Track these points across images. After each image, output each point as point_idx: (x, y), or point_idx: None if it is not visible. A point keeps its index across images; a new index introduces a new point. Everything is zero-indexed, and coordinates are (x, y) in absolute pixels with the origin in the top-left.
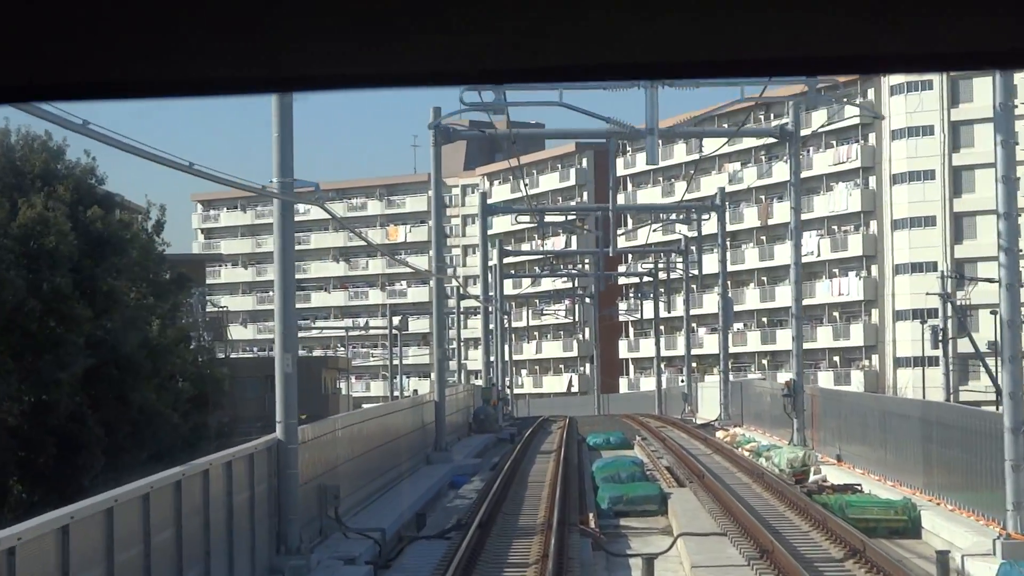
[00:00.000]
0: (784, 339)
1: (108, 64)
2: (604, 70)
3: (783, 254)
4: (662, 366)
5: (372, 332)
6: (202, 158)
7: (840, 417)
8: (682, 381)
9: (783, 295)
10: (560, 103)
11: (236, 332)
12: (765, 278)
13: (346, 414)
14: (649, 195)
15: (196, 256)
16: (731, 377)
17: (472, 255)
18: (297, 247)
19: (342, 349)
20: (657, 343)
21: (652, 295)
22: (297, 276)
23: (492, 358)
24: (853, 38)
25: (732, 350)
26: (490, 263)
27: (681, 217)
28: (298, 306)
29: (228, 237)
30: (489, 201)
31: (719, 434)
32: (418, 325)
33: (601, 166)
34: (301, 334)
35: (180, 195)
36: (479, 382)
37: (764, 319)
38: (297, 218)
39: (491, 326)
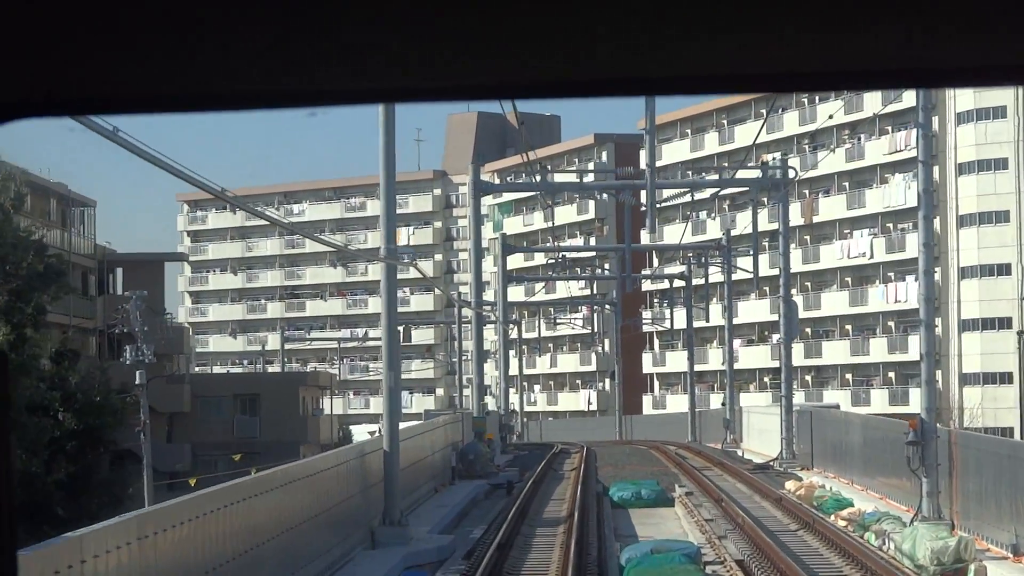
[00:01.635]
0: (831, 353)
1: (140, 77)
2: (612, 85)
3: (829, 256)
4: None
5: (371, 344)
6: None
7: (1000, 476)
8: (723, 403)
9: (830, 302)
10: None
11: (224, 344)
12: (809, 283)
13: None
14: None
15: (151, 255)
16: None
17: (484, 258)
18: (290, 251)
19: (338, 362)
20: (691, 356)
21: (684, 301)
22: (291, 283)
23: (476, 379)
24: (860, 52)
25: (773, 364)
26: (494, 269)
27: (726, 201)
28: (291, 315)
29: (217, 240)
30: (500, 200)
31: (789, 485)
32: (422, 336)
33: (623, 158)
34: (293, 346)
35: (167, 194)
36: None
37: (808, 329)
38: (292, 219)
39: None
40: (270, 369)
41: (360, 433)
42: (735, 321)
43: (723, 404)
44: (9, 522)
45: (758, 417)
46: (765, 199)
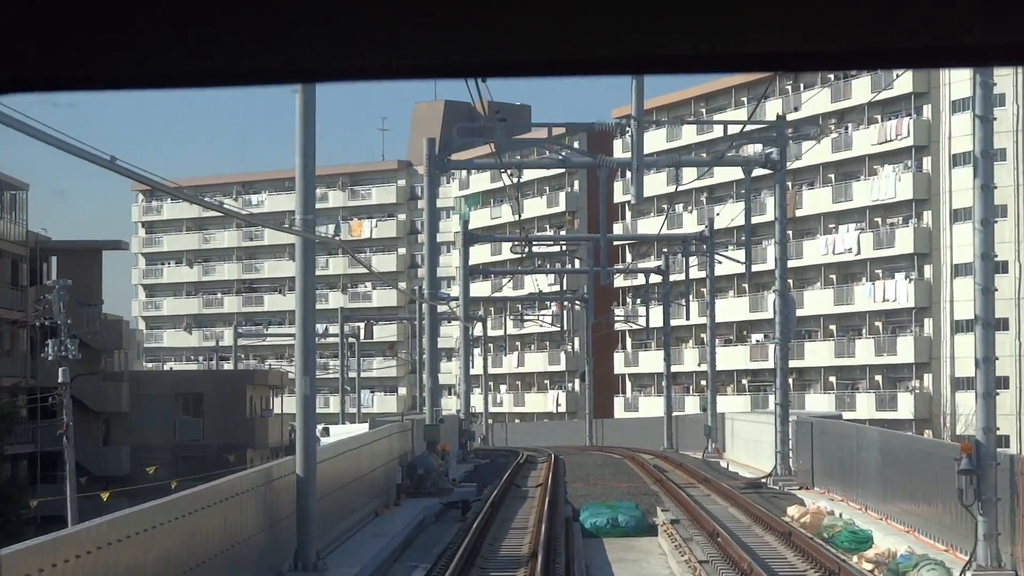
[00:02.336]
0: (814, 354)
1: (121, 54)
2: (594, 65)
3: (812, 252)
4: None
5: (331, 340)
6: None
7: None
8: (703, 408)
9: (813, 301)
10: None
11: (179, 339)
12: (791, 280)
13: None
14: (653, 183)
15: (88, 243)
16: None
17: (446, 253)
18: (248, 243)
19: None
20: (667, 357)
21: (661, 297)
22: (248, 276)
23: (429, 381)
24: (850, 31)
25: (752, 366)
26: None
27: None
28: (248, 310)
29: (172, 231)
30: (467, 192)
31: (792, 511)
32: (384, 332)
33: (596, 148)
34: (249, 342)
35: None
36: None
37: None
38: (250, 209)
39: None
40: (226, 366)
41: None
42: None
43: (703, 410)
44: None
45: (744, 425)
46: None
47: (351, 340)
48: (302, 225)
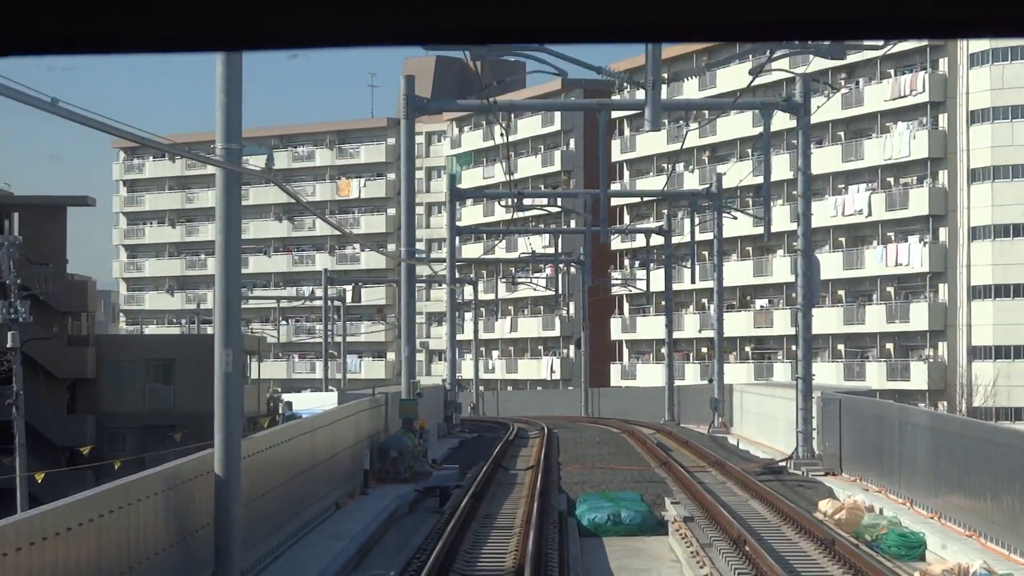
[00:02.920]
0: (821, 321)
1: (103, 16)
2: (600, 32)
3: (821, 213)
4: (664, 352)
5: (317, 303)
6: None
7: None
8: (709, 379)
9: (821, 264)
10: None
11: (161, 301)
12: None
13: None
14: (652, 141)
15: (52, 198)
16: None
17: (437, 215)
18: None
19: (284, 323)
20: (669, 322)
21: (664, 258)
22: None
23: (406, 350)
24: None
25: (756, 332)
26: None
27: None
28: None
29: (154, 190)
30: (459, 151)
31: (824, 505)
32: (373, 295)
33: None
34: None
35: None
36: (437, 380)
37: (794, 294)
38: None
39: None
40: (209, 330)
41: (301, 402)
42: (712, 285)
43: (710, 381)
44: None
45: (754, 399)
46: (750, 151)
47: (337, 304)
48: (224, 156)
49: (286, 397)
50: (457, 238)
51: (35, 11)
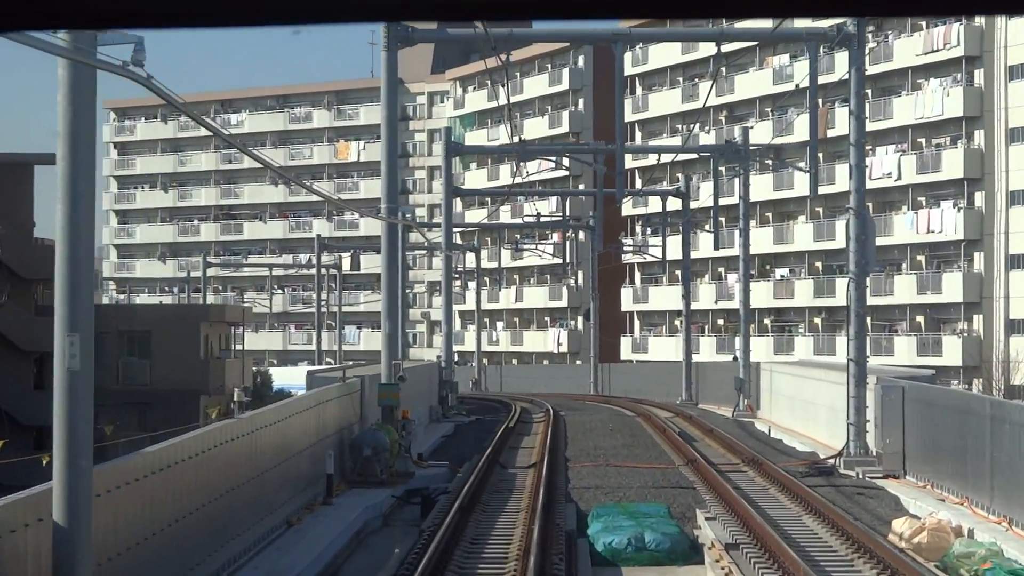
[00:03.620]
0: (845, 291)
1: None
2: (597, 7)
3: (846, 177)
4: (678, 324)
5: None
6: None
7: None
8: (734, 357)
9: (843, 231)
10: None
11: (152, 269)
12: (821, 209)
13: None
14: (666, 99)
15: (17, 156)
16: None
17: (439, 179)
18: (228, 166)
19: (280, 292)
20: (687, 293)
21: (676, 225)
22: (227, 202)
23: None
24: None
25: (776, 304)
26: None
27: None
28: (227, 238)
29: (146, 153)
30: (462, 112)
31: (899, 525)
32: (373, 263)
33: (602, 64)
34: (227, 273)
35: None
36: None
37: (819, 264)
38: (229, 130)
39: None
40: (210, 300)
41: (290, 377)
42: (730, 252)
43: (734, 358)
44: None
45: (786, 379)
46: (770, 110)
47: (333, 271)
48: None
49: (273, 372)
50: (460, 203)
51: None
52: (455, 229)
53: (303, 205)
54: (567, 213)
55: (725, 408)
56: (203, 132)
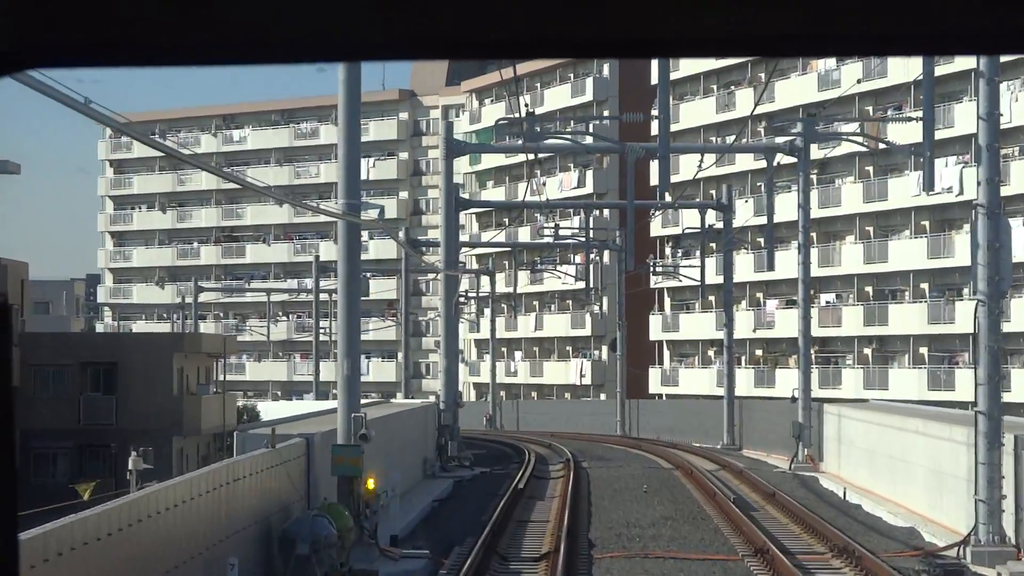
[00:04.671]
0: (900, 320)
1: (112, 29)
2: (607, 47)
3: (901, 192)
4: (712, 354)
5: (322, 297)
6: None
7: None
8: (792, 397)
9: (900, 253)
10: None
11: (152, 294)
12: (871, 228)
13: None
14: (699, 109)
15: None
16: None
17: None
18: (230, 185)
19: (284, 319)
20: (730, 319)
21: (724, 242)
22: (229, 223)
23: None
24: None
25: (821, 332)
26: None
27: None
28: (228, 261)
29: (143, 171)
30: (479, 127)
31: None
32: (383, 287)
33: (628, 73)
34: (230, 299)
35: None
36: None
37: (868, 288)
38: (231, 148)
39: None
40: (203, 327)
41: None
42: (770, 276)
43: (792, 398)
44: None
45: (861, 427)
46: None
47: (336, 297)
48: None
49: (269, 406)
50: (476, 223)
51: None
52: (468, 251)
53: (309, 227)
54: (590, 234)
55: (776, 456)
56: (204, 148)
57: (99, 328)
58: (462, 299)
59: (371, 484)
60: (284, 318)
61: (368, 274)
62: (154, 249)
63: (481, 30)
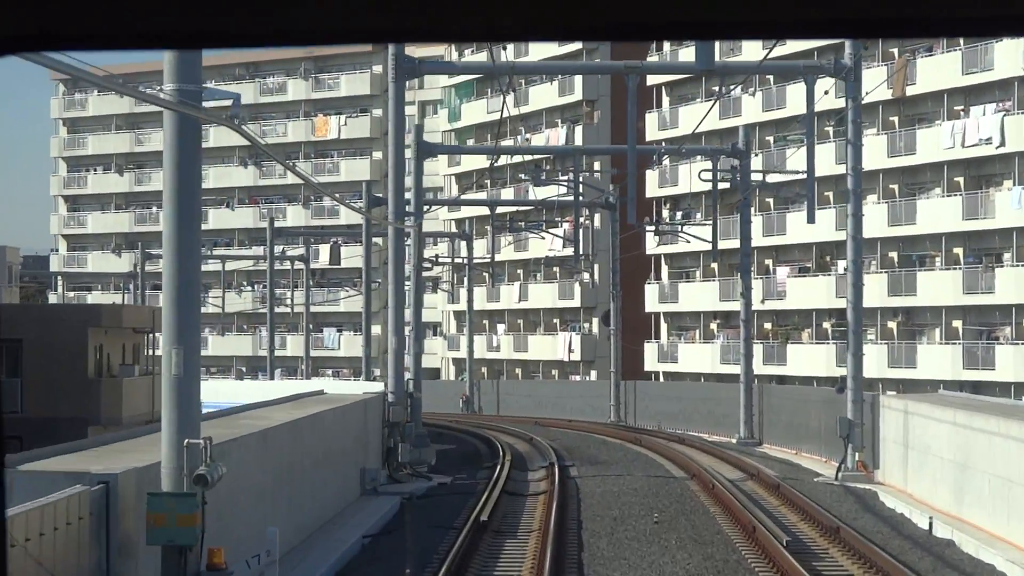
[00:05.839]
0: (930, 288)
1: (127, 13)
2: (569, 30)
3: (931, 144)
4: (714, 328)
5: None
6: None
7: None
8: (838, 386)
9: (930, 213)
10: None
11: (108, 263)
12: (896, 185)
13: None
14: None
15: None
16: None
17: (433, 160)
18: None
19: (250, 289)
20: (747, 287)
21: (741, 193)
22: None
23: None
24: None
25: (835, 304)
26: (448, 170)
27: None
28: None
29: (99, 130)
30: (453, 82)
31: None
32: (355, 254)
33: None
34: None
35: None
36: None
37: (892, 254)
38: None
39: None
40: (161, 298)
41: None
42: (780, 241)
43: (839, 387)
44: None
45: (945, 431)
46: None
47: (310, 265)
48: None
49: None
50: (456, 186)
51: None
52: (448, 215)
53: (275, 190)
54: (580, 188)
55: (806, 456)
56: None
57: (52, 299)
58: (429, 265)
59: (219, 557)
60: (249, 288)
61: (340, 239)
62: (110, 214)
63: (487, 15)
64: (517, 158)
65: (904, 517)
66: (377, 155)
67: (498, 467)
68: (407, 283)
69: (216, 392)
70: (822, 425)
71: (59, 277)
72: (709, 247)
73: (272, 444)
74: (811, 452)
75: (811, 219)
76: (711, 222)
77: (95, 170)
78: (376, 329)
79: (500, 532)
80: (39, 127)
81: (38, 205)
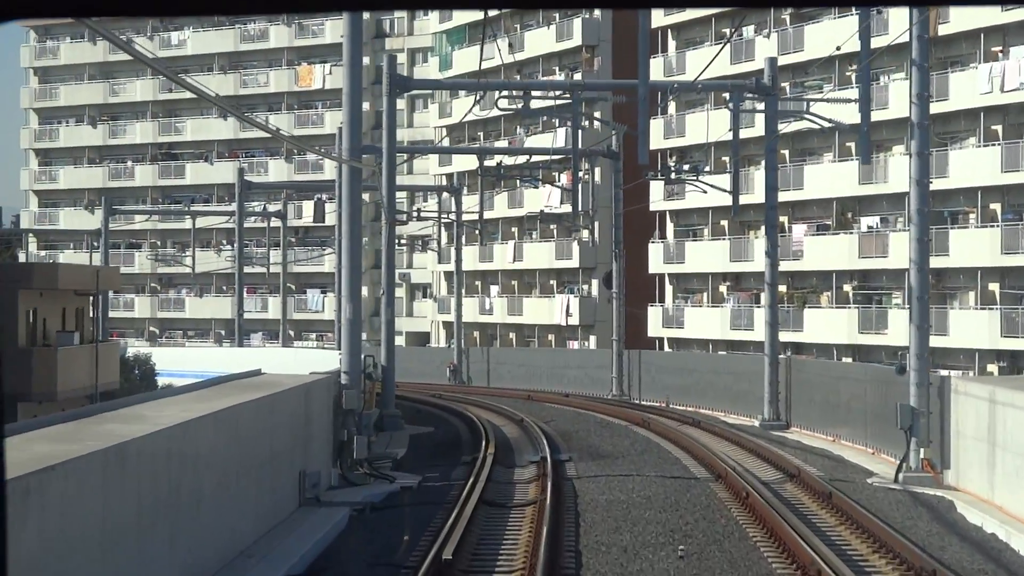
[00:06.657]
0: (963, 248)
1: None
2: None
3: (965, 90)
4: (724, 290)
5: (274, 223)
6: None
7: None
8: (900, 364)
9: (964, 165)
10: None
11: (80, 219)
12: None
13: None
14: (706, 59)
15: None
16: None
17: (423, 110)
18: (168, 95)
19: (228, 248)
20: (773, 247)
21: (767, 137)
22: (168, 138)
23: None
24: None
25: (861, 265)
26: (439, 122)
27: None
28: (167, 183)
29: (72, 80)
30: (449, 25)
31: None
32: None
33: (622, 13)
34: (170, 225)
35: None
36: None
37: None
38: (169, 52)
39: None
40: (137, 257)
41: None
42: (798, 197)
43: (900, 366)
44: None
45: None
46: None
47: (288, 224)
48: None
49: (158, 353)
50: (447, 138)
51: None
52: (439, 169)
53: (257, 143)
54: (578, 139)
55: (847, 445)
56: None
57: (21, 258)
58: (403, 219)
59: None
60: (228, 247)
61: (324, 196)
62: (83, 169)
63: None
64: (513, 123)
65: (993, 538)
66: (364, 105)
67: (478, 462)
68: (378, 238)
69: (187, 361)
70: (868, 408)
71: (29, 234)
72: (719, 203)
73: (138, 463)
74: (851, 440)
75: (867, 160)
76: (726, 173)
77: (67, 122)
78: (365, 290)
79: (468, 573)
80: (7, 75)
81: (8, 160)
